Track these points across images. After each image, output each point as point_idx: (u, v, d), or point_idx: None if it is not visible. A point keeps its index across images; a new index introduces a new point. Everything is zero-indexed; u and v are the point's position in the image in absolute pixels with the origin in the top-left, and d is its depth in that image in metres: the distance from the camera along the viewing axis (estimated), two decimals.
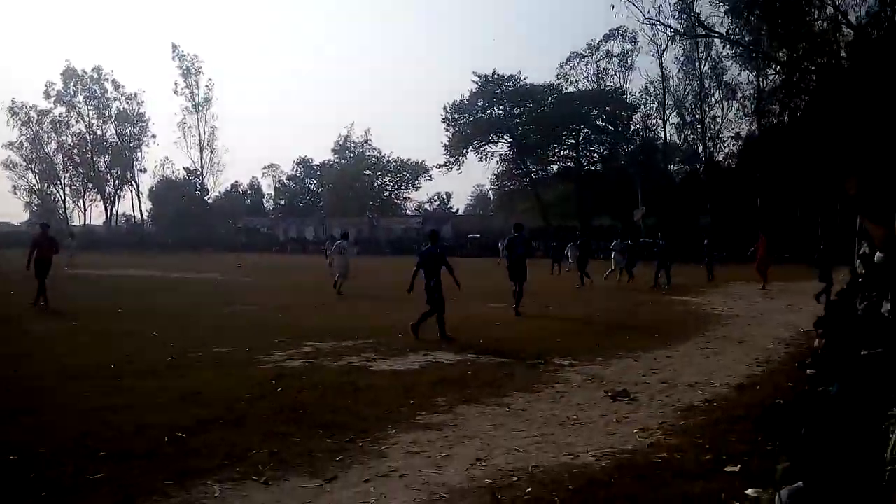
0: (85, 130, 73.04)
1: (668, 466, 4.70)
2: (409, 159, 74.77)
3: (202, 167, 72.64)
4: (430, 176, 73.04)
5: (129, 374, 7.65)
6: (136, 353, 8.90)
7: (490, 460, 4.95)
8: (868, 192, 2.99)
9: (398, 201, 76.89)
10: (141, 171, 74.72)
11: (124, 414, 5.93)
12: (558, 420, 6.06)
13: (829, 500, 2.75)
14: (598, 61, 54.17)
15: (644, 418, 6.09)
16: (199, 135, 71.79)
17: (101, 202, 75.13)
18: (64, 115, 72.47)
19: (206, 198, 74.22)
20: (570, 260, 27.61)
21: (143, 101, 73.37)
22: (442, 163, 61.67)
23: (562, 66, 55.46)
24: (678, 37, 46.09)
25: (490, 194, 75.87)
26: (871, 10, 32.26)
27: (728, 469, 4.60)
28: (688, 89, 49.61)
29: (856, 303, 7.37)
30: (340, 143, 77.51)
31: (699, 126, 49.24)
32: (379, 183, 75.73)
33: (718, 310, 15.08)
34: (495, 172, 62.43)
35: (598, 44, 53.55)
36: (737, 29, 41.96)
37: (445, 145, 60.36)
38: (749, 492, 4.09)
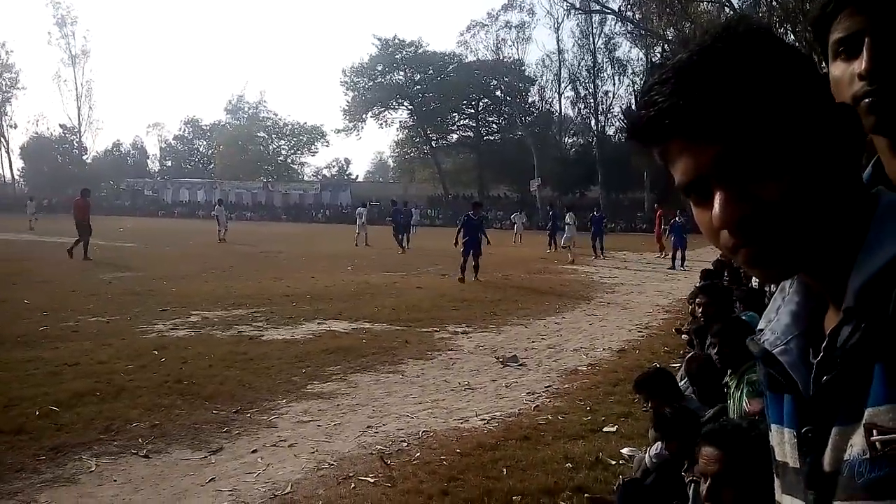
0: None
1: (551, 428, 4.92)
2: (306, 123, 72.91)
3: (80, 124, 67.94)
4: (327, 142, 71.77)
5: None
6: (5, 323, 8.27)
7: (381, 427, 5.00)
8: None
9: (295, 166, 74.91)
10: (11, 126, 68.80)
11: None
12: (450, 386, 6.19)
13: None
14: (498, 31, 54.57)
15: (531, 382, 6.33)
16: (76, 89, 67.01)
17: None
18: None
19: (84, 157, 69.43)
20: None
21: (12, 51, 67.39)
22: (341, 128, 60.60)
23: (462, 35, 55.70)
24: (573, 11, 47.08)
25: (390, 161, 75.42)
26: None
27: (606, 430, 4.88)
28: (582, 63, 50.99)
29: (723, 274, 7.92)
30: (233, 103, 74.46)
31: (592, 100, 50.83)
32: (274, 146, 73.31)
33: (605, 279, 15.79)
34: (395, 140, 62.09)
35: (497, 13, 53.95)
36: (628, 6, 43.35)
37: (344, 110, 59.28)
38: (624, 451, 4.36)
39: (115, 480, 3.92)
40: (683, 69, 0.64)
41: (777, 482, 0.75)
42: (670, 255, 18.89)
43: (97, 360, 6.60)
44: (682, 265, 17.95)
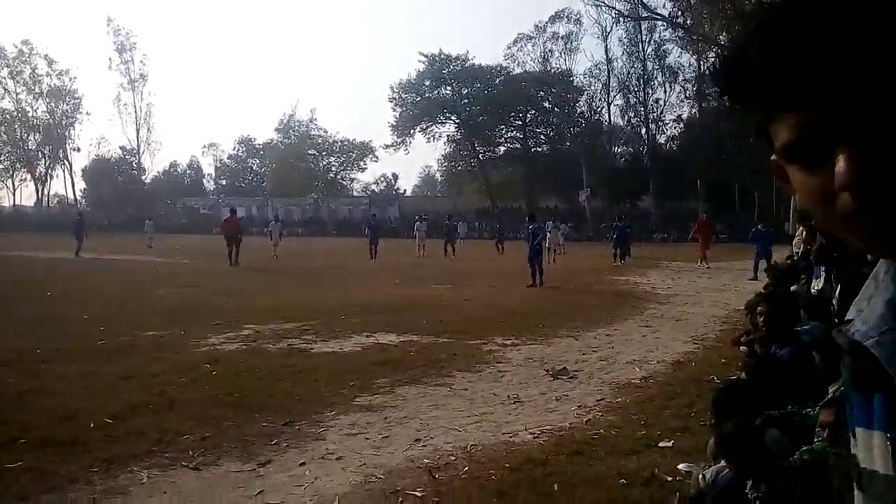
0: (13, 108, 69.52)
1: (603, 443, 4.77)
2: (354, 139, 73.89)
3: (139, 146, 70.16)
4: (376, 157, 72.34)
5: (56, 359, 7.31)
6: (65, 338, 8.52)
7: (429, 440, 4.92)
8: None
9: (344, 182, 75.93)
10: (74, 150, 71.83)
11: (49, 400, 5.68)
12: (498, 399, 6.07)
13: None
14: (545, 42, 54.41)
15: (582, 396, 6.16)
16: (135, 112, 69.27)
17: (32, 182, 71.83)
18: None
19: (143, 178, 71.78)
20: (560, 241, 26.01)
21: (75, 78, 70.26)
22: (389, 143, 61.20)
23: (509, 48, 55.58)
24: (622, 18, 46.61)
25: (437, 175, 75.77)
26: None
27: (662, 444, 4.69)
28: (631, 71, 50.35)
29: (790, 282, 7.57)
30: (284, 121, 75.92)
31: (642, 108, 50.07)
32: (324, 163, 74.51)
33: (658, 289, 15.42)
34: (443, 153, 62.35)
35: (544, 25, 53.81)
36: (678, 11, 42.72)
37: (392, 125, 59.83)
38: (681, 466, 4.18)
39: (165, 493, 3.95)
40: (794, 8, 0.54)
41: (858, 495, 0.65)
42: (753, 266, 17.02)
43: (151, 373, 6.73)
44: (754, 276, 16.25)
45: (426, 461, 4.46)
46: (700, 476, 3.23)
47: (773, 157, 0.61)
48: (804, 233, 9.18)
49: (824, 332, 3.50)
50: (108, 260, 23.98)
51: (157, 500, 3.85)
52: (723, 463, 3.23)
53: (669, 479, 4.05)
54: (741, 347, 7.08)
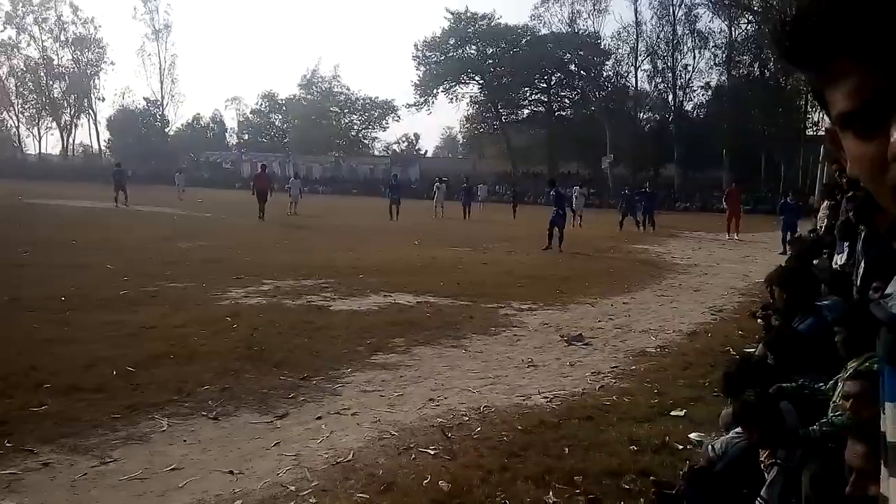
0: (38, 55, 69.72)
1: (616, 409, 4.80)
2: (377, 97, 73.31)
3: (162, 97, 70.27)
4: (398, 116, 71.71)
5: (80, 307, 7.48)
6: (89, 287, 8.69)
7: (443, 400, 4.99)
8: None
9: (366, 141, 75.62)
10: (99, 99, 71.88)
11: (74, 347, 5.82)
12: (513, 362, 6.12)
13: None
14: (573, 3, 53.07)
15: (597, 362, 6.20)
16: (160, 63, 69.20)
17: (58, 131, 72.41)
18: (13, 38, 68.96)
19: (166, 130, 72.06)
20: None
21: (100, 26, 70.23)
22: (411, 102, 60.67)
23: (536, 7, 54.23)
24: None
25: (459, 137, 75.14)
26: None
27: (674, 413, 4.72)
28: (660, 35, 49.12)
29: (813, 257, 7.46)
30: (308, 77, 75.43)
31: (670, 74, 49.02)
32: (346, 121, 74.12)
33: (677, 259, 15.32)
34: (465, 115, 61.67)
35: None
36: None
37: (415, 84, 59.23)
38: (692, 436, 4.21)
39: (185, 440, 4.06)
40: None
41: (884, 469, 0.66)
42: (782, 240, 16.39)
43: (173, 324, 6.86)
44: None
45: (439, 420, 4.54)
46: (710, 447, 3.25)
47: (826, 128, 0.60)
48: (829, 208, 9.05)
49: (854, 307, 3.47)
50: (139, 212, 24.26)
51: (177, 447, 3.96)
52: (732, 434, 3.25)
53: (680, 447, 4.09)
54: (758, 320, 7.06)
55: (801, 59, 0.58)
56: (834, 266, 6.17)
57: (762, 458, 2.79)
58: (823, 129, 0.59)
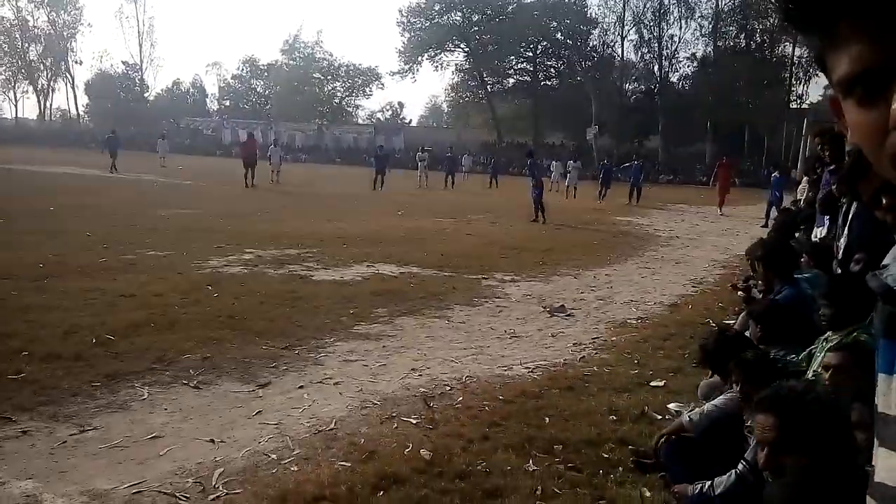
0: (13, 16, 67.81)
1: (596, 379, 4.85)
2: (361, 64, 72.30)
3: (141, 61, 68.89)
4: (382, 84, 71.04)
5: (59, 275, 7.36)
6: (68, 254, 8.57)
7: (425, 370, 5.01)
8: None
9: (349, 109, 74.72)
10: (76, 63, 70.29)
11: (52, 315, 5.73)
12: (495, 333, 6.15)
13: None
14: None
15: (578, 333, 6.24)
16: (138, 26, 67.76)
17: (34, 95, 70.76)
18: None
19: (146, 94, 70.74)
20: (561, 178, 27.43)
21: None
22: (396, 70, 59.98)
23: None
24: None
25: (444, 106, 74.53)
26: None
27: (654, 384, 4.78)
28: (647, 4, 48.83)
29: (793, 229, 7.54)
30: (290, 42, 74.14)
31: (656, 44, 48.85)
32: (329, 88, 73.12)
33: (659, 231, 15.41)
34: (450, 83, 61.11)
35: None
36: None
37: (400, 51, 58.53)
38: (671, 406, 4.26)
39: (165, 409, 4.04)
40: None
41: (876, 439, 0.66)
42: (766, 213, 16.73)
43: (153, 292, 6.79)
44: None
45: (422, 390, 4.56)
46: (687, 418, 3.28)
47: (828, 93, 0.58)
48: (809, 182, 9.10)
49: (840, 279, 3.51)
50: (120, 178, 23.89)
51: (158, 415, 3.95)
52: (709, 405, 3.30)
53: (659, 417, 4.14)
54: (738, 293, 7.13)
55: (802, 23, 0.56)
56: (814, 239, 6.22)
57: (748, 424, 2.83)
58: (821, 96, 0.57)
